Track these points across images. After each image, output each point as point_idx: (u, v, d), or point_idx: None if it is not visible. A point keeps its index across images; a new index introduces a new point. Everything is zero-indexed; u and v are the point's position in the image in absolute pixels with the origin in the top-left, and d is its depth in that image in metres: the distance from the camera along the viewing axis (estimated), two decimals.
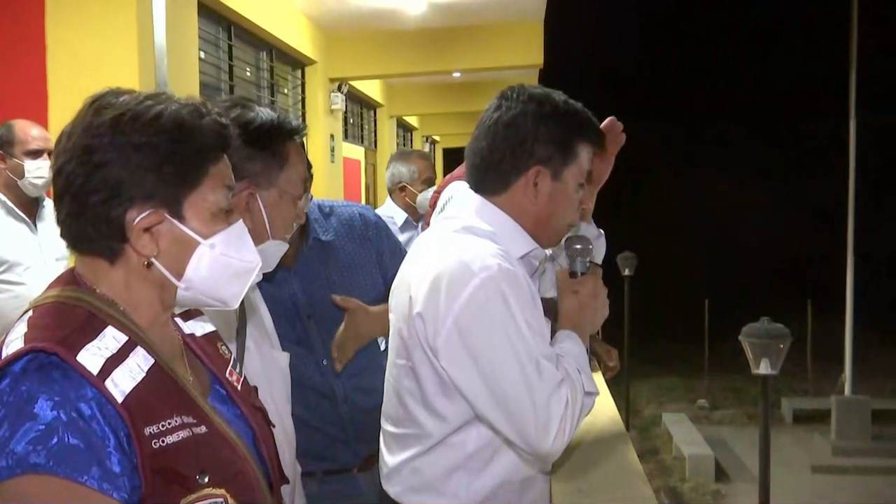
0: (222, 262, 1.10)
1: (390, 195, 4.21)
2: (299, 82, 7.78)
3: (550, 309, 1.62)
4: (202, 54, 5.47)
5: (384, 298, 1.85)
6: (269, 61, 7.01)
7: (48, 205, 3.44)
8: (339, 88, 8.08)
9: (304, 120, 7.47)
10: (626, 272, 12.69)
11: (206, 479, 1.01)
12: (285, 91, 7.56)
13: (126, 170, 1.03)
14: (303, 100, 7.80)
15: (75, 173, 1.04)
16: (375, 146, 11.09)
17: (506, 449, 1.53)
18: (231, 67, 6.14)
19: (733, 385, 14.18)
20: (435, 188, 3.10)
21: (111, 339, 1.01)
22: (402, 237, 3.75)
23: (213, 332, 1.25)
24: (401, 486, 1.60)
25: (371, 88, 10.05)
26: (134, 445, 0.96)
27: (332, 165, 7.93)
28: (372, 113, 11.00)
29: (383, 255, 2.05)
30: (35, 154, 3.32)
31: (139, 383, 1.00)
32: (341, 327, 1.92)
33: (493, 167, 1.57)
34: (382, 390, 1.67)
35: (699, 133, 30.98)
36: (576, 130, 1.57)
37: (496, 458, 1.54)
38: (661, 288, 18.42)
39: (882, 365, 14.67)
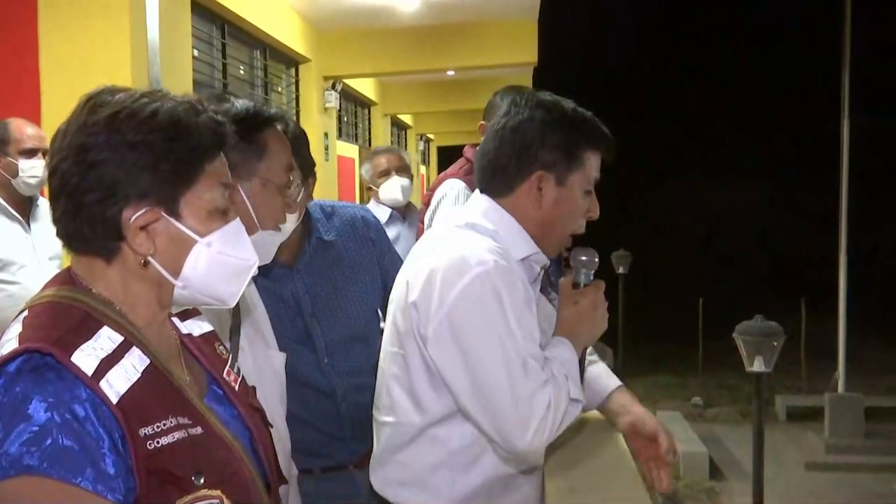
0: (220, 261, 1.09)
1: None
2: (293, 80, 7.77)
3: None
4: (195, 52, 5.46)
5: (384, 299, 1.85)
6: (263, 59, 7.00)
7: (42, 204, 3.43)
8: (333, 87, 8.07)
9: (297, 118, 7.46)
10: (621, 270, 12.71)
11: (202, 481, 1.00)
12: (279, 89, 7.54)
13: (122, 168, 1.03)
14: (297, 98, 7.79)
15: (70, 172, 1.04)
16: (370, 144, 11.08)
17: (491, 449, 1.54)
18: (225, 66, 6.13)
19: (727, 383, 14.20)
20: (428, 187, 3.11)
21: (106, 339, 1.01)
22: (389, 232, 3.76)
23: (210, 331, 1.24)
24: (385, 478, 1.63)
25: (365, 87, 10.04)
26: (129, 447, 0.96)
27: (326, 164, 7.92)
28: (366, 111, 10.99)
29: (384, 257, 2.08)
30: (30, 153, 3.31)
31: (134, 384, 0.99)
32: None
33: (500, 170, 1.60)
34: None
35: (694, 132, 31.01)
36: (583, 138, 1.58)
37: (481, 458, 1.54)
38: (655, 286, 18.44)
39: (875, 363, 14.71)
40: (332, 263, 2.00)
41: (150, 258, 1.06)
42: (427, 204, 3.05)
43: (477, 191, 1.67)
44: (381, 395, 1.66)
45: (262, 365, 1.59)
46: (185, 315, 1.21)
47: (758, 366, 6.09)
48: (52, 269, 3.17)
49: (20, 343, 0.97)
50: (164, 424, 1.00)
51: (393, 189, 4.02)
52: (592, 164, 1.60)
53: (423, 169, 15.71)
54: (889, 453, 11.40)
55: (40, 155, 3.28)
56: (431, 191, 3.05)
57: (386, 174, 4.04)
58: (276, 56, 7.26)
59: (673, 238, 25.51)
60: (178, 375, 1.08)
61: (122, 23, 4.18)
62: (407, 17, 7.40)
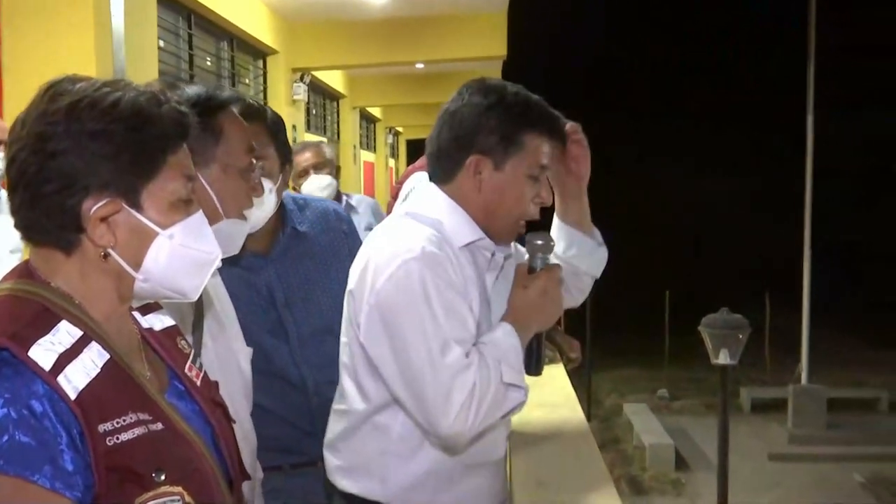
0: (181, 254, 1.07)
1: None
2: (261, 72, 7.71)
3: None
4: (161, 43, 5.39)
5: None
6: (230, 51, 6.93)
7: (2, 196, 3.37)
8: (302, 79, 8.02)
9: None
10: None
11: (163, 477, 0.99)
12: (247, 81, 7.48)
13: (81, 158, 1.01)
14: (264, 90, 7.73)
15: (29, 162, 1.01)
16: (338, 137, 11.04)
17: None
18: (191, 57, 6.06)
19: (693, 375, 14.38)
20: (396, 180, 3.08)
21: (65, 333, 0.99)
22: None
23: (172, 326, 1.22)
24: (336, 465, 1.64)
25: (334, 79, 9.99)
26: (87, 443, 0.94)
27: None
28: (335, 104, 10.94)
29: (356, 250, 2.06)
30: None
31: (93, 379, 0.97)
32: None
33: (442, 157, 1.60)
34: None
35: (660, 126, 31.32)
36: (521, 121, 1.56)
37: (424, 447, 1.55)
38: (622, 280, 18.59)
39: (837, 355, 14.99)
40: (306, 254, 1.99)
41: (110, 250, 1.04)
42: (395, 197, 3.04)
43: (426, 178, 1.68)
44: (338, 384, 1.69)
45: (226, 361, 1.57)
46: (147, 309, 1.19)
47: (723, 358, 6.19)
48: (13, 263, 3.11)
49: None
50: (124, 420, 0.98)
51: (312, 189, 3.69)
52: (536, 148, 1.57)
53: (391, 162, 15.69)
54: (850, 443, 11.63)
55: (1, 147, 3.22)
56: (399, 184, 3.04)
57: (304, 174, 3.75)
58: (243, 47, 7.20)
59: (640, 231, 25.74)
60: (138, 371, 1.06)
61: (86, 12, 4.11)
62: (376, 10, 7.37)
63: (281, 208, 2.00)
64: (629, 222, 26.67)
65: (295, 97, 7.94)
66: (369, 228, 3.31)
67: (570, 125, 1.68)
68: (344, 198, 3.96)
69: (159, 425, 1.02)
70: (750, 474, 10.09)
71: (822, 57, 11.37)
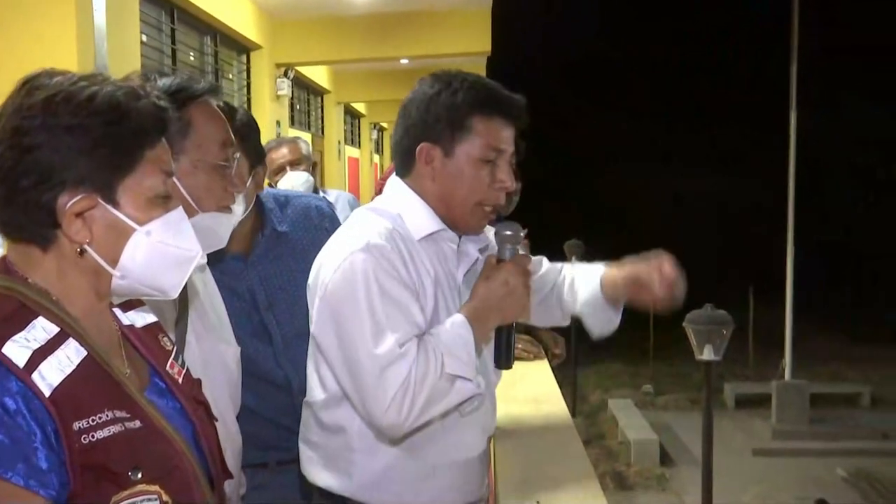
0: (160, 250, 1.06)
1: None
2: (244, 68, 7.68)
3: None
4: (144, 38, 5.36)
5: None
6: (214, 46, 6.89)
7: None
8: (286, 74, 7.99)
9: (249, 106, 7.37)
10: (574, 259, 12.82)
11: (140, 475, 0.98)
12: (230, 76, 7.44)
13: (57, 153, 1.00)
14: (248, 85, 7.70)
15: (5, 157, 1.00)
16: (322, 133, 11.00)
17: None
18: (174, 52, 6.03)
19: (677, 371, 14.45)
20: (381, 176, 3.06)
21: (41, 330, 0.98)
22: None
23: (154, 322, 1.21)
24: (307, 456, 1.64)
25: (318, 74, 9.96)
26: (62, 441, 0.93)
27: None
28: (319, 99, 10.90)
29: None
30: None
31: (68, 376, 0.96)
32: None
33: (398, 149, 1.62)
34: None
35: (645, 123, 31.43)
36: (467, 106, 1.54)
37: (385, 442, 1.54)
38: None
39: (819, 350, 15.09)
40: (287, 254, 1.97)
41: (86, 246, 1.03)
42: (379, 192, 3.03)
43: None
44: None
45: (211, 359, 1.55)
46: (128, 306, 1.18)
47: (707, 354, 6.22)
48: None
49: None
50: (100, 418, 0.97)
51: (288, 186, 3.64)
52: (488, 131, 1.55)
53: (376, 158, 15.66)
54: (833, 438, 11.73)
55: None
56: (383, 179, 3.02)
57: (280, 170, 3.71)
58: (226, 42, 7.16)
59: (625, 227, 25.82)
60: (117, 368, 1.05)
61: (68, 8, 4.08)
62: (360, 5, 7.35)
63: (260, 209, 1.98)
64: (613, 219, 26.78)
65: (279, 93, 7.91)
66: None
67: (669, 268, 1.68)
68: (321, 194, 3.93)
69: (137, 423, 1.01)
70: (734, 469, 10.15)
71: (806, 55, 11.44)
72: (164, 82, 1.46)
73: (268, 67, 7.72)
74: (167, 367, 1.16)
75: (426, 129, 1.56)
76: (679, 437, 12.09)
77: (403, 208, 1.59)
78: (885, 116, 27.60)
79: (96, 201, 1.02)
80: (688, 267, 1.80)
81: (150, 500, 0.99)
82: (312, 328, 1.57)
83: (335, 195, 4.13)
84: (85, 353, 1.00)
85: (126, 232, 1.04)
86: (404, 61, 9.62)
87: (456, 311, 1.55)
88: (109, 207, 1.03)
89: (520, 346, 2.38)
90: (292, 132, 8.58)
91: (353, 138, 13.57)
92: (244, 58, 7.66)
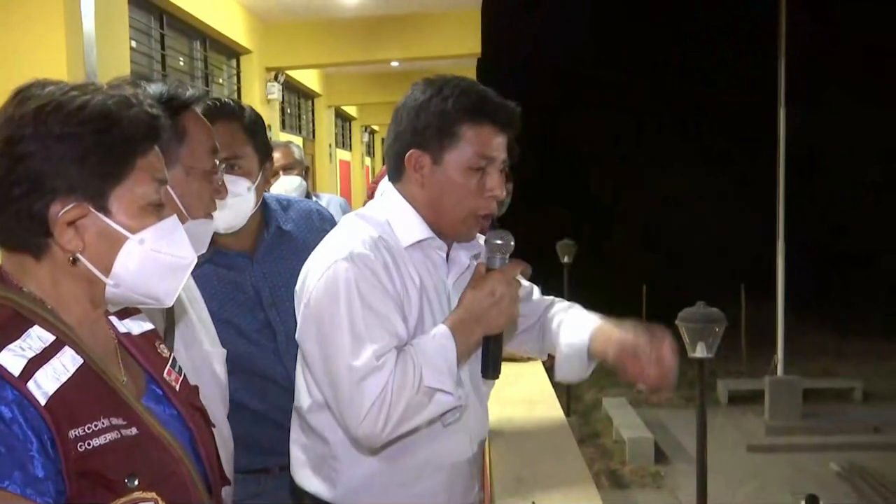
0: (153, 258, 1.07)
1: None
2: (234, 72, 7.67)
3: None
4: (133, 43, 5.36)
5: None
6: (203, 51, 6.89)
7: None
8: (276, 78, 7.99)
9: None
10: (566, 259, 12.86)
11: (136, 483, 0.98)
12: (220, 81, 7.44)
13: (48, 162, 1.00)
14: (238, 90, 7.70)
15: None
16: (314, 136, 10.99)
17: None
18: (164, 57, 6.02)
19: None
20: (372, 179, 3.06)
21: (36, 338, 0.98)
22: None
23: (151, 330, 1.22)
24: (294, 458, 1.64)
25: (308, 78, 9.95)
26: (58, 449, 0.93)
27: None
28: (310, 103, 10.90)
29: None
30: None
31: (64, 384, 0.97)
32: None
33: (390, 154, 1.61)
34: None
35: (636, 123, 31.50)
36: (456, 113, 1.52)
37: (365, 450, 1.54)
38: (600, 274, 18.70)
39: (811, 345, 15.17)
40: (292, 253, 1.97)
41: (78, 255, 1.03)
42: (371, 196, 3.04)
43: None
44: None
45: (200, 366, 1.56)
46: (124, 314, 1.18)
47: (700, 352, 6.24)
48: None
49: None
50: (96, 426, 0.97)
51: (281, 190, 3.59)
52: (477, 139, 1.53)
53: (367, 161, 15.66)
54: (826, 433, 11.79)
55: None
56: (375, 183, 3.03)
57: (273, 175, 3.80)
58: (216, 47, 7.16)
59: (617, 227, 25.90)
60: (113, 375, 1.05)
61: (56, 13, 4.07)
62: (350, 8, 7.36)
63: (264, 208, 2.00)
64: (606, 218, 26.84)
65: (269, 97, 7.91)
66: None
67: (666, 344, 1.61)
68: (313, 198, 3.93)
69: (134, 430, 1.01)
70: (728, 466, 10.19)
71: (794, 53, 11.50)
72: (154, 89, 1.45)
73: (258, 71, 7.72)
74: (164, 374, 1.16)
75: (416, 136, 1.55)
76: (673, 434, 12.13)
77: (392, 215, 1.58)
78: (874, 115, 27.76)
79: (87, 210, 1.02)
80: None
81: None
82: (297, 335, 1.57)
83: (327, 199, 4.13)
84: (81, 361, 1.00)
85: (118, 240, 1.04)
86: (395, 64, 9.62)
87: (443, 319, 1.53)
88: (101, 216, 1.03)
89: None
90: (283, 136, 8.58)
91: (344, 141, 13.57)
92: (234, 62, 7.66)
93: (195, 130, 1.48)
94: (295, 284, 1.90)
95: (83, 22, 4.21)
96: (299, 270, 1.93)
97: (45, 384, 0.95)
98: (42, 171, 1.00)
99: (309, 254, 1.97)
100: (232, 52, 7.52)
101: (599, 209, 27.74)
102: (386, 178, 2.71)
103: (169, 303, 1.12)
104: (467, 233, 1.59)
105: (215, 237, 1.67)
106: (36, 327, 0.99)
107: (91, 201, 1.02)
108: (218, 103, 1.82)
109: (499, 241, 1.54)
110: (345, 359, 1.44)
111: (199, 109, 1.53)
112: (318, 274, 1.51)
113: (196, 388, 1.22)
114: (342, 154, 12.92)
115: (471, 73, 10.17)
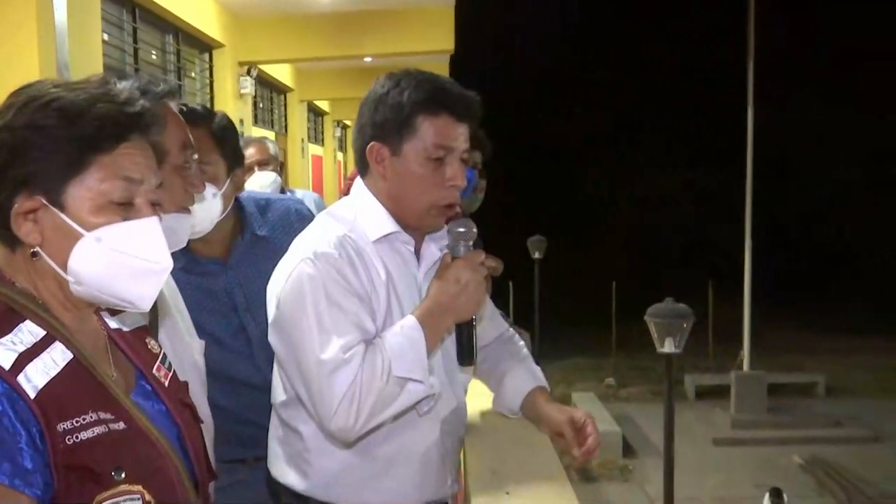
0: (115, 259, 1.04)
1: None
2: (207, 66, 7.62)
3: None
4: (105, 36, 5.31)
5: None
6: (176, 44, 6.85)
7: None
8: (249, 72, 7.95)
9: (212, 104, 7.33)
10: (537, 255, 12.96)
11: (122, 476, 0.99)
12: (192, 75, 7.40)
13: (11, 153, 1.01)
14: (211, 84, 7.65)
15: None
16: (286, 131, 10.95)
17: None
18: (136, 50, 5.98)
19: (639, 363, 14.64)
20: (346, 176, 3.08)
21: (27, 333, 1.00)
22: None
23: (142, 326, 1.23)
24: (272, 451, 1.67)
25: (281, 72, 9.91)
26: (46, 441, 0.95)
27: None
28: (282, 97, 10.85)
29: None
30: None
31: (53, 378, 0.98)
32: None
33: (355, 148, 1.63)
34: None
35: (609, 122, 31.70)
36: (413, 105, 1.54)
37: (338, 442, 1.56)
38: (570, 270, 18.84)
39: (776, 341, 15.41)
40: (267, 258, 1.94)
41: (38, 249, 1.03)
42: (346, 192, 3.05)
43: None
44: None
45: (183, 356, 1.58)
46: (116, 310, 1.18)
47: (668, 347, 6.33)
48: None
49: None
50: (84, 419, 0.98)
51: (256, 186, 3.58)
52: (434, 129, 1.55)
53: (339, 155, 15.61)
54: (790, 427, 12.00)
55: None
56: (350, 179, 3.05)
57: (248, 170, 3.61)
58: (189, 41, 7.11)
59: (587, 224, 26.08)
60: (103, 370, 1.06)
61: (28, 6, 4.04)
62: (324, 4, 7.35)
63: (240, 213, 2.00)
64: (577, 215, 27.00)
65: (242, 91, 7.87)
66: None
67: (589, 423, 1.64)
68: (288, 194, 3.94)
69: (121, 424, 1.02)
70: (695, 459, 10.34)
71: (763, 53, 11.66)
72: (124, 85, 1.40)
73: (230, 66, 7.68)
74: (154, 370, 1.17)
75: (375, 129, 1.56)
76: (641, 428, 12.27)
77: (360, 210, 1.59)
78: (842, 115, 28.20)
79: (40, 203, 1.02)
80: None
81: (132, 499, 1.00)
82: (269, 335, 1.59)
83: (301, 195, 4.15)
84: (70, 355, 1.02)
85: (73, 236, 1.03)
86: (368, 59, 9.62)
87: (362, 311, 1.53)
88: (55, 210, 1.02)
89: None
90: (255, 131, 8.54)
91: (316, 136, 13.52)
92: (207, 56, 7.61)
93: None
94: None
95: (55, 14, 4.18)
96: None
97: (34, 378, 0.96)
98: (6, 161, 1.01)
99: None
100: (205, 45, 7.47)
101: (570, 206, 27.90)
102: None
103: (144, 307, 1.11)
104: (431, 224, 1.60)
105: (189, 244, 1.68)
106: (27, 322, 1.01)
107: (46, 195, 1.02)
108: (185, 108, 1.82)
109: (461, 230, 1.55)
110: (313, 354, 1.46)
111: (173, 104, 1.53)
112: (285, 275, 1.54)
113: (185, 384, 1.24)
114: (314, 149, 12.88)
115: (444, 69, 10.19)
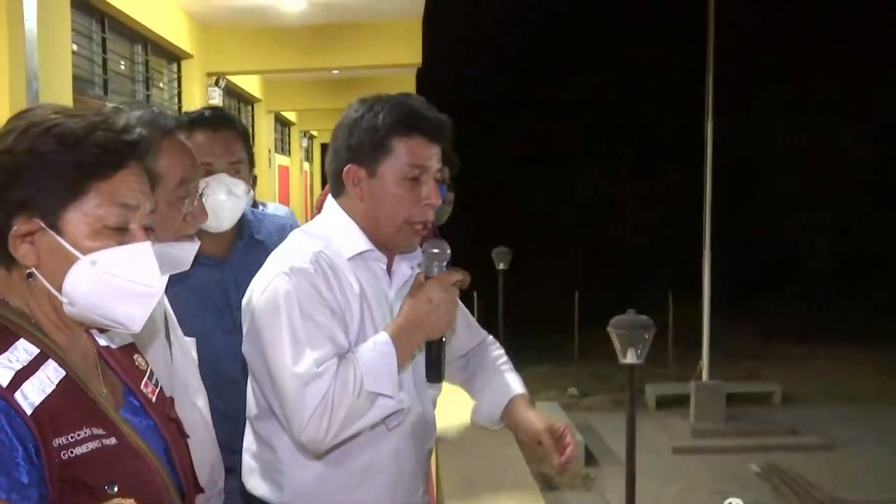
0: (108, 282, 1.07)
1: None
2: (175, 76, 7.62)
3: None
4: (75, 47, 5.31)
5: None
6: (145, 55, 6.84)
7: None
8: (217, 83, 7.95)
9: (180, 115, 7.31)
10: (501, 266, 13.07)
11: (115, 489, 1.02)
12: (161, 85, 7.39)
13: (9, 176, 1.04)
14: (179, 94, 7.64)
15: None
16: (253, 141, 10.93)
17: None
18: (105, 61, 5.97)
19: (601, 373, 14.79)
20: (319, 193, 3.15)
21: (22, 351, 1.03)
22: None
23: (129, 343, 1.25)
24: (245, 463, 1.71)
25: (249, 83, 9.91)
26: (42, 457, 0.97)
27: None
28: (249, 108, 10.85)
29: None
30: None
31: (49, 396, 1.01)
32: None
33: (330, 171, 1.68)
34: None
35: (572, 133, 31.95)
36: (388, 126, 1.58)
37: (310, 454, 1.59)
38: (534, 281, 18.99)
39: (735, 350, 15.68)
40: (262, 262, 2.06)
41: (34, 270, 1.06)
42: (319, 208, 3.10)
43: None
44: None
45: (185, 353, 1.62)
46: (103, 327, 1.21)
47: (630, 357, 6.45)
48: None
49: None
50: (78, 435, 1.01)
51: None
52: (409, 150, 1.60)
53: (306, 166, 15.60)
54: (747, 435, 12.23)
55: None
56: (324, 195, 3.10)
57: None
58: (158, 51, 7.10)
59: (550, 234, 26.27)
60: (94, 387, 1.09)
61: None
62: (292, 16, 7.38)
63: (241, 217, 2.08)
64: (540, 225, 27.19)
65: (210, 101, 7.85)
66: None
67: (568, 432, 1.71)
68: (260, 206, 3.99)
69: (113, 440, 1.05)
70: (655, 467, 10.48)
71: (722, 64, 11.89)
72: (126, 118, 1.51)
73: (199, 76, 7.67)
74: (141, 386, 1.19)
75: (351, 152, 1.61)
76: (603, 437, 12.39)
77: (334, 229, 1.63)
78: (800, 124, 28.79)
79: (38, 225, 1.04)
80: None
81: None
82: (243, 347, 1.62)
83: (273, 208, 4.19)
84: (63, 373, 1.04)
85: (69, 259, 1.05)
86: (335, 72, 9.66)
87: (336, 327, 1.57)
88: (52, 233, 1.05)
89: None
90: None
91: (283, 146, 13.50)
92: (175, 66, 7.60)
93: (162, 160, 1.48)
94: None
95: (25, 23, 4.16)
96: None
97: (31, 395, 0.99)
98: (6, 184, 1.04)
99: None
100: (173, 56, 7.47)
101: (534, 217, 28.08)
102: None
103: (135, 328, 1.13)
104: (405, 242, 1.65)
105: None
106: (22, 340, 1.04)
107: (44, 218, 1.05)
108: (219, 112, 1.91)
109: (435, 251, 1.59)
110: (287, 367, 1.49)
111: (181, 136, 1.58)
112: (261, 289, 1.57)
113: (171, 399, 1.27)
114: (281, 159, 12.87)
115: (410, 82, 10.27)
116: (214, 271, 2.02)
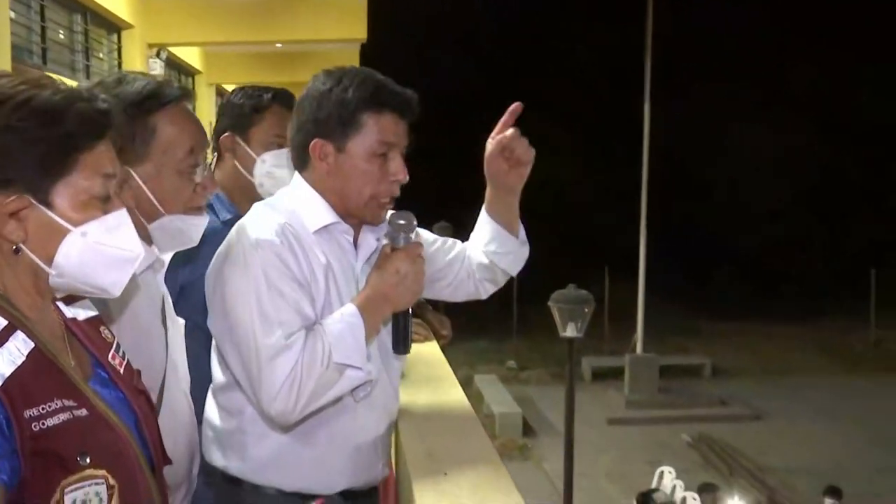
0: (96, 250, 1.07)
1: None
2: (115, 47, 7.47)
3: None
4: (12, 14, 5.20)
5: None
6: (84, 24, 6.70)
7: None
8: (158, 54, 7.82)
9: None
10: None
11: (87, 461, 1.01)
12: (100, 56, 7.24)
13: None
14: (119, 65, 7.50)
15: None
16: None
17: None
18: (44, 29, 5.86)
19: (539, 346, 15.06)
20: None
21: None
22: None
23: (95, 315, 1.24)
24: (204, 435, 1.70)
25: (190, 55, 9.74)
26: (14, 429, 0.96)
27: None
28: (190, 80, 10.67)
29: None
30: None
31: (19, 367, 0.99)
32: None
33: (294, 145, 1.66)
34: None
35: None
36: (357, 102, 1.56)
37: (276, 428, 1.58)
38: None
39: (667, 325, 16.12)
40: None
41: (21, 245, 1.05)
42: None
43: None
44: None
45: (179, 340, 1.62)
46: (70, 299, 1.19)
47: (570, 331, 6.65)
48: None
49: None
50: (50, 407, 1.00)
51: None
52: (378, 126, 1.58)
53: None
54: (679, 407, 12.68)
55: None
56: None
57: None
58: (97, 21, 6.96)
59: None
60: (63, 359, 1.07)
61: None
62: None
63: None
64: (480, 202, 27.33)
65: (150, 73, 7.72)
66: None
67: (512, 130, 1.76)
68: None
69: (84, 411, 1.04)
70: (591, 438, 10.79)
71: (660, 48, 12.14)
72: (137, 85, 1.47)
73: (139, 47, 7.53)
74: (109, 358, 1.18)
75: (318, 126, 1.58)
76: (540, 409, 12.68)
77: (299, 202, 1.61)
78: (737, 109, 29.50)
79: (29, 202, 1.03)
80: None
81: (97, 483, 1.02)
82: (209, 320, 1.59)
83: None
84: (32, 345, 1.02)
85: (60, 232, 1.05)
86: (279, 45, 9.56)
87: (351, 300, 1.56)
88: (43, 208, 1.04)
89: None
90: None
91: None
92: (115, 37, 7.44)
93: (170, 129, 1.48)
94: None
95: None
96: None
97: (1, 367, 0.97)
98: None
99: None
100: (113, 26, 7.32)
101: (475, 193, 28.20)
102: None
103: (115, 293, 1.13)
104: (373, 216, 1.63)
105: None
106: None
107: (33, 194, 1.03)
108: (284, 92, 1.98)
109: (402, 221, 1.58)
110: (255, 340, 1.47)
111: (189, 105, 1.56)
112: (221, 261, 1.55)
113: (139, 371, 1.27)
114: None
115: (354, 57, 10.21)
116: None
